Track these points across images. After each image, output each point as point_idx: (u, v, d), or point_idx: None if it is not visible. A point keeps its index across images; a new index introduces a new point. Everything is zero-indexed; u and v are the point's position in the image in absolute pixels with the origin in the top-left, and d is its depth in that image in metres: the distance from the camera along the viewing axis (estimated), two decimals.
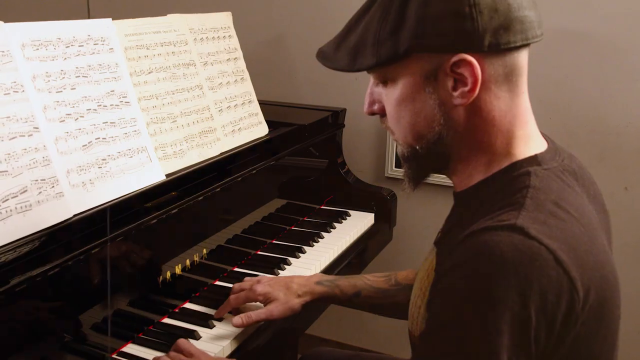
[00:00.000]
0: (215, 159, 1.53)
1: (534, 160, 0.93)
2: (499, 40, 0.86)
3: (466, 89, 0.89)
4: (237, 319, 1.31)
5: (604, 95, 1.96)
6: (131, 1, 2.62)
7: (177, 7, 2.49)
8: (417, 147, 0.96)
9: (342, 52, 0.95)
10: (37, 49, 1.19)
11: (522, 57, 0.91)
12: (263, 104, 1.79)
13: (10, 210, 1.06)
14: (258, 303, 1.37)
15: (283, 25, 2.37)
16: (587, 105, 1.98)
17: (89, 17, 2.66)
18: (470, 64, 0.87)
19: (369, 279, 1.38)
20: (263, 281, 1.38)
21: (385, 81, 0.96)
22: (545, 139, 0.99)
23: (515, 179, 0.90)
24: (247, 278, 1.45)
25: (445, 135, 0.93)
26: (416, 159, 0.98)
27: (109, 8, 2.65)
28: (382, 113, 0.99)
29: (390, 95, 0.95)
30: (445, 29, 0.86)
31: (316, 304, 1.39)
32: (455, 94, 0.90)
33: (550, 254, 0.80)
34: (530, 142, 0.94)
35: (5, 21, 1.16)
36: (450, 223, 1.02)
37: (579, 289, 0.81)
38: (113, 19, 1.38)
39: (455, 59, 0.87)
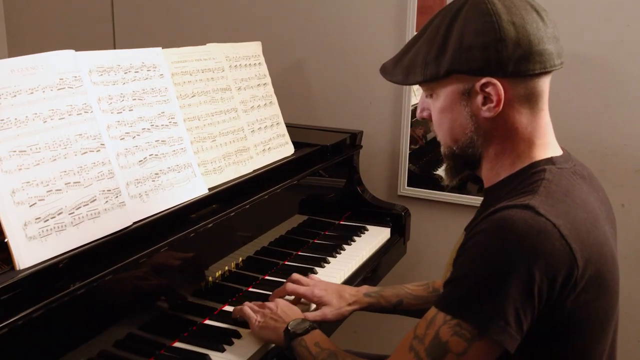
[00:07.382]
0: (249, 175, 1.67)
1: (549, 160, 1.11)
2: (520, 68, 1.05)
3: (492, 104, 1.08)
4: None
5: (602, 118, 2.09)
6: (150, 32, 2.76)
7: (188, 35, 2.64)
8: (454, 148, 1.16)
9: (398, 69, 1.16)
10: (101, 75, 1.34)
11: (542, 82, 1.10)
12: (287, 125, 1.92)
13: (82, 217, 1.20)
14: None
15: (302, 53, 2.50)
16: (588, 127, 2.11)
17: (114, 47, 2.80)
18: (495, 85, 1.06)
19: (409, 288, 1.55)
20: (319, 286, 1.52)
21: (431, 94, 1.16)
22: (562, 148, 1.17)
23: (533, 174, 1.09)
24: (297, 275, 1.57)
25: (476, 140, 1.13)
26: (453, 157, 1.18)
27: (132, 37, 2.80)
28: (430, 118, 1.19)
29: (434, 105, 1.16)
30: (476, 58, 1.06)
31: (363, 311, 1.53)
32: (484, 108, 1.09)
33: (555, 228, 0.98)
34: (548, 149, 1.13)
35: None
36: (479, 212, 1.19)
37: (578, 258, 0.99)
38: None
39: (484, 80, 1.07)
